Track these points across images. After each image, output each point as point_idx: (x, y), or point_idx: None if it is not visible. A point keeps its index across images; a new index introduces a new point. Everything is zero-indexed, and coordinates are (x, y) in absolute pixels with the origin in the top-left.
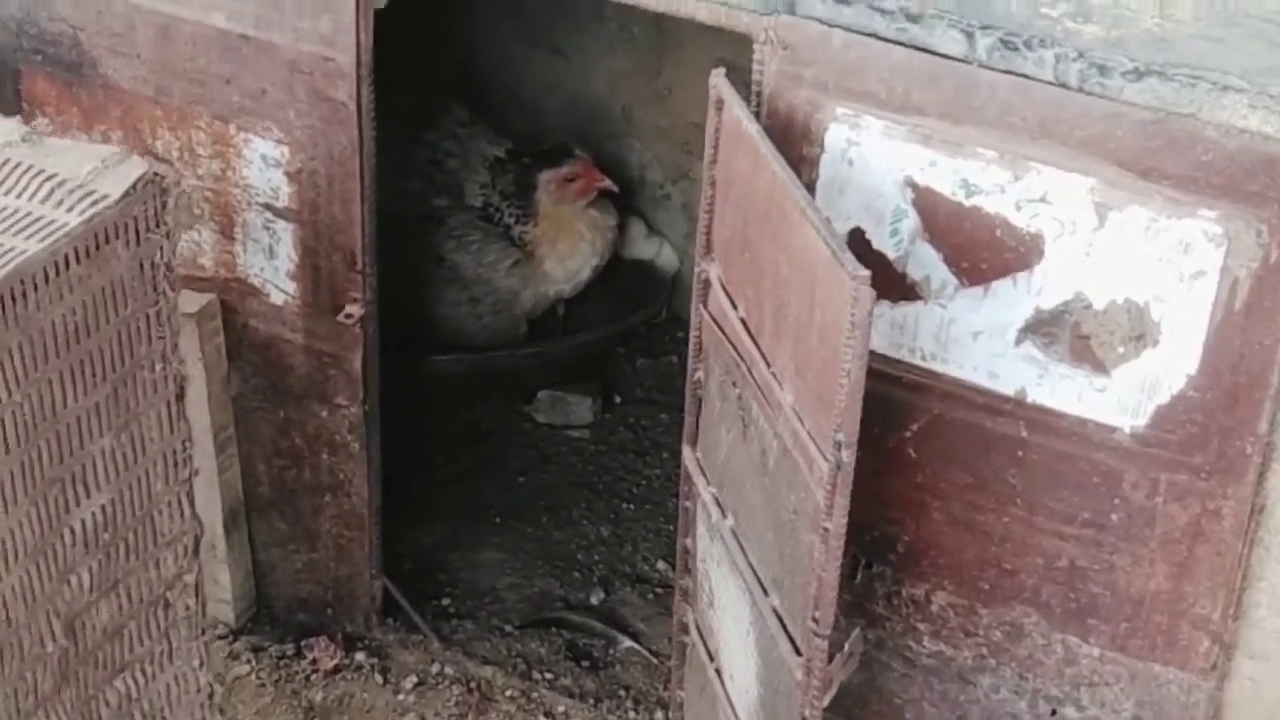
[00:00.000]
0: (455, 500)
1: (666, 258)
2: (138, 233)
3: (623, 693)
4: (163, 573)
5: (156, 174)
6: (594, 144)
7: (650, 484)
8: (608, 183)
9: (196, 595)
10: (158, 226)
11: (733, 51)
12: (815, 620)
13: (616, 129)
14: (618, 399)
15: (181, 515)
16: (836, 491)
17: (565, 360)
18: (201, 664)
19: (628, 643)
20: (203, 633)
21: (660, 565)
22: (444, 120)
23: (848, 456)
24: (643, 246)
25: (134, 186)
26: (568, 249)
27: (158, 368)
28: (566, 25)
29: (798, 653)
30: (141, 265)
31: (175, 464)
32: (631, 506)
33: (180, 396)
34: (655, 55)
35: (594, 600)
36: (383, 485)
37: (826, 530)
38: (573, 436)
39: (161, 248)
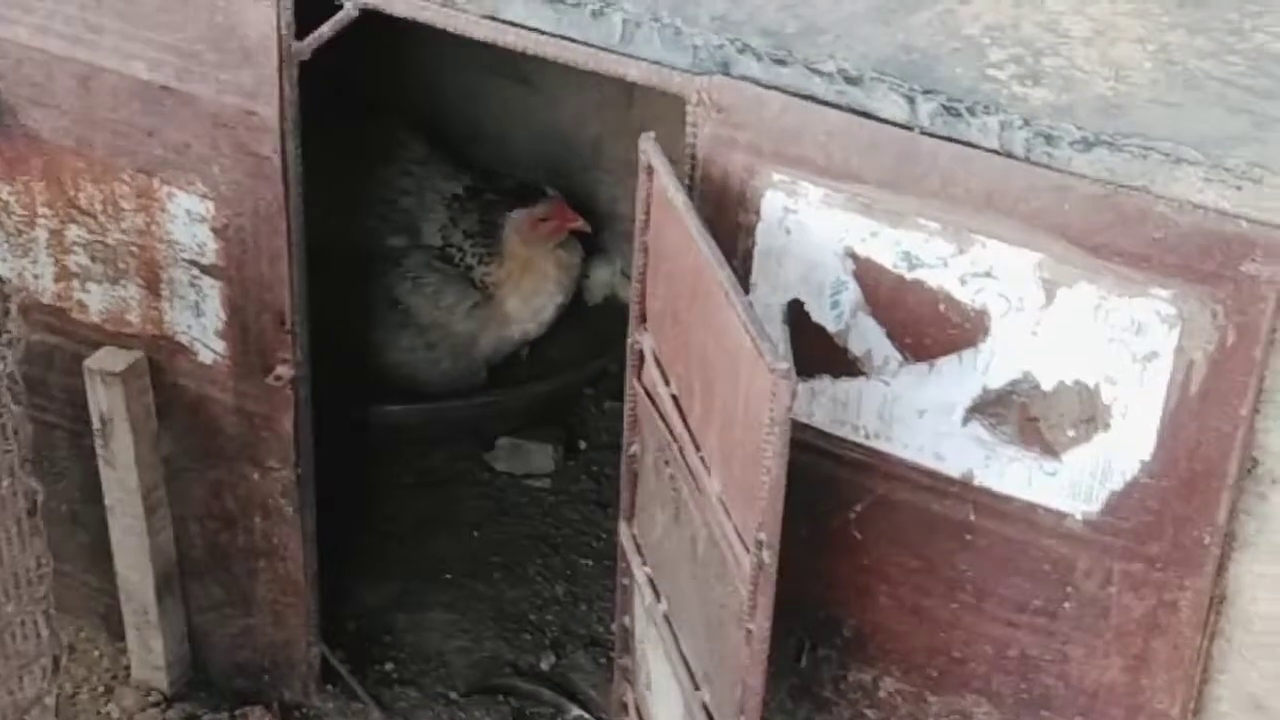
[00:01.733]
0: (406, 555)
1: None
2: None
3: None
4: (19, 697)
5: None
6: (563, 177)
7: (611, 538)
8: (582, 223)
9: (56, 716)
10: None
11: None
12: None
13: (586, 162)
14: (582, 444)
15: (38, 635)
16: (759, 592)
17: (525, 407)
18: None
19: (576, 711)
20: None
21: (615, 628)
22: (399, 155)
23: (769, 557)
24: (608, 284)
25: None
26: (532, 289)
27: (5, 483)
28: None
29: None
30: None
31: (28, 583)
32: (590, 563)
33: (32, 512)
34: (626, 86)
35: (545, 665)
36: (330, 539)
37: (750, 632)
38: (533, 486)
39: (5, 358)
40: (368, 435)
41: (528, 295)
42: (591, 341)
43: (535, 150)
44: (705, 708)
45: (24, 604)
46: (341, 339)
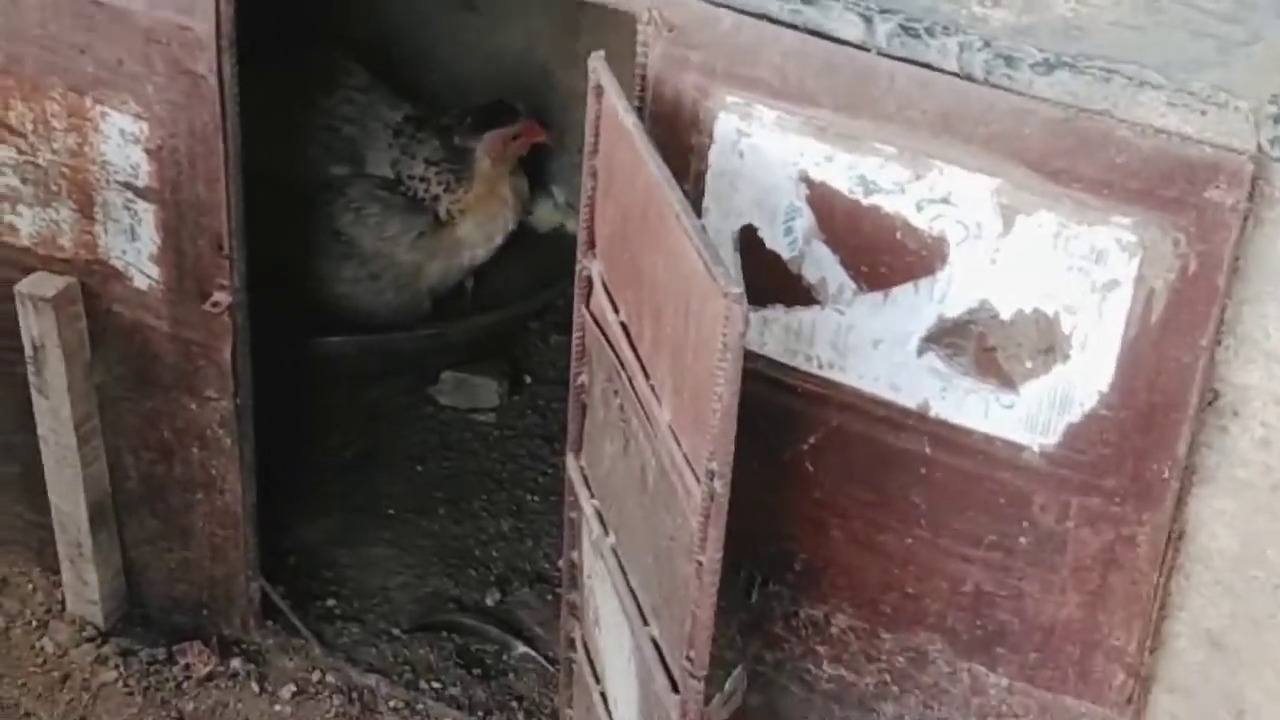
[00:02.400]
0: (347, 490)
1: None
2: None
3: (514, 704)
4: None
5: None
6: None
7: (557, 473)
8: (545, 136)
9: None
10: None
11: None
12: (690, 660)
13: (534, 90)
14: (528, 379)
15: None
16: (710, 523)
17: (470, 340)
18: None
19: (522, 648)
20: None
21: (562, 563)
22: (341, 83)
23: (721, 486)
24: (552, 215)
25: None
26: (491, 213)
27: None
28: None
29: (675, 690)
30: None
31: None
32: (536, 499)
33: None
34: (573, 13)
35: (490, 601)
36: (270, 474)
37: (700, 564)
38: (477, 420)
39: None
40: (308, 367)
41: (484, 220)
42: (537, 273)
43: (481, 78)
44: (654, 642)
45: None
46: (282, 269)
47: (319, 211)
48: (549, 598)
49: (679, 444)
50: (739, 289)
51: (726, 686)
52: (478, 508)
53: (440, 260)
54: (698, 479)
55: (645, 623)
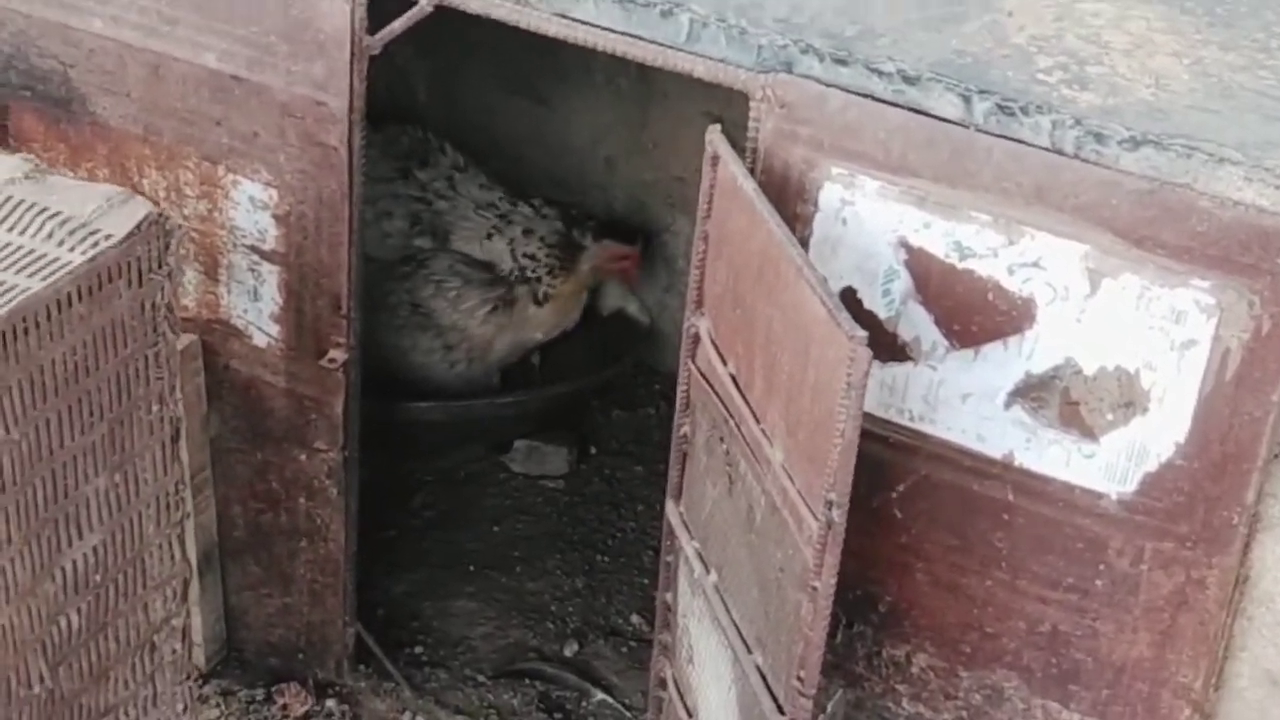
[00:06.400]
0: (429, 548)
1: (637, 309)
2: (140, 273)
3: None
4: (151, 616)
5: (161, 215)
6: (577, 194)
7: (625, 536)
8: (635, 277)
9: (183, 639)
10: (160, 267)
11: (719, 106)
12: (800, 680)
13: (599, 179)
14: (593, 450)
15: (172, 558)
16: (826, 551)
17: (542, 410)
18: (185, 709)
19: (600, 695)
20: (188, 677)
21: (634, 619)
22: (438, 161)
23: (839, 516)
24: (615, 299)
25: (138, 227)
26: (566, 307)
27: (155, 409)
28: (551, 74)
29: (780, 711)
30: (143, 305)
31: (168, 506)
32: (606, 559)
33: (175, 438)
34: (640, 108)
35: (568, 652)
36: (359, 529)
37: (815, 589)
38: (548, 486)
39: (163, 288)
40: (394, 430)
41: (561, 310)
42: (600, 352)
43: (550, 167)
44: (759, 669)
45: (163, 526)
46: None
47: (397, 283)
48: (624, 650)
49: (792, 481)
50: (864, 333)
51: (829, 709)
52: (552, 566)
53: (509, 335)
54: (813, 512)
55: (749, 651)
